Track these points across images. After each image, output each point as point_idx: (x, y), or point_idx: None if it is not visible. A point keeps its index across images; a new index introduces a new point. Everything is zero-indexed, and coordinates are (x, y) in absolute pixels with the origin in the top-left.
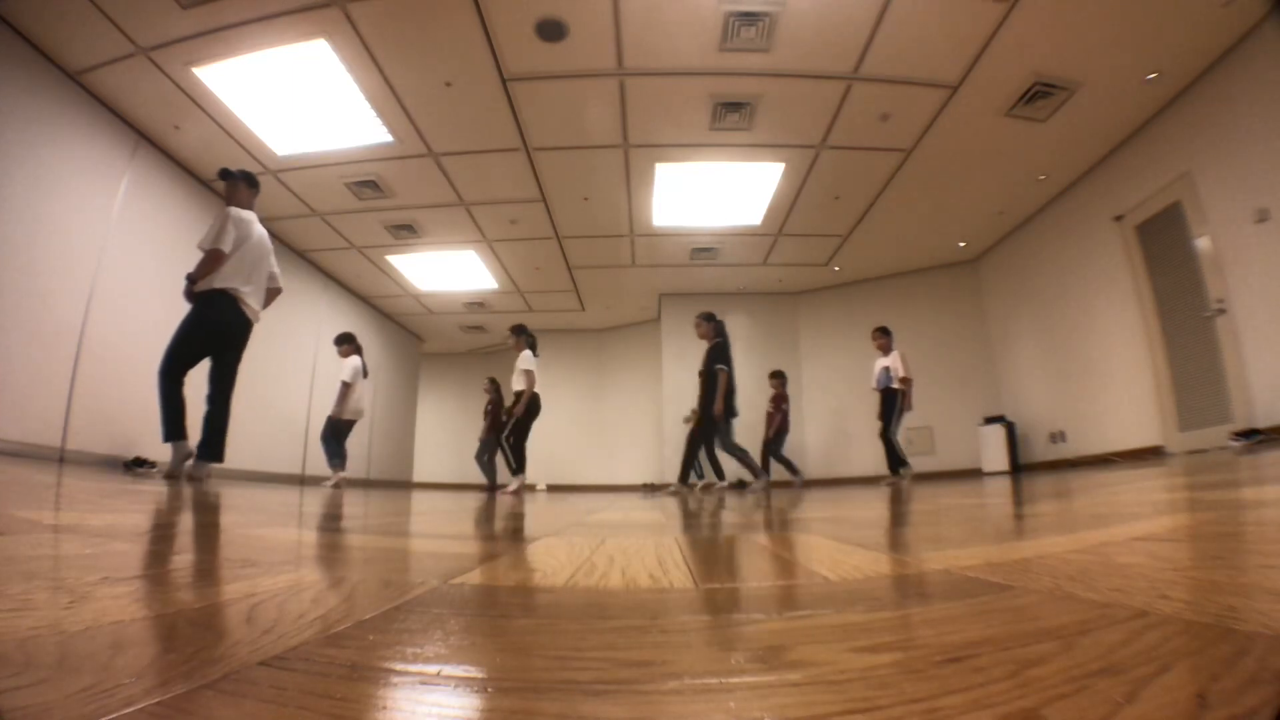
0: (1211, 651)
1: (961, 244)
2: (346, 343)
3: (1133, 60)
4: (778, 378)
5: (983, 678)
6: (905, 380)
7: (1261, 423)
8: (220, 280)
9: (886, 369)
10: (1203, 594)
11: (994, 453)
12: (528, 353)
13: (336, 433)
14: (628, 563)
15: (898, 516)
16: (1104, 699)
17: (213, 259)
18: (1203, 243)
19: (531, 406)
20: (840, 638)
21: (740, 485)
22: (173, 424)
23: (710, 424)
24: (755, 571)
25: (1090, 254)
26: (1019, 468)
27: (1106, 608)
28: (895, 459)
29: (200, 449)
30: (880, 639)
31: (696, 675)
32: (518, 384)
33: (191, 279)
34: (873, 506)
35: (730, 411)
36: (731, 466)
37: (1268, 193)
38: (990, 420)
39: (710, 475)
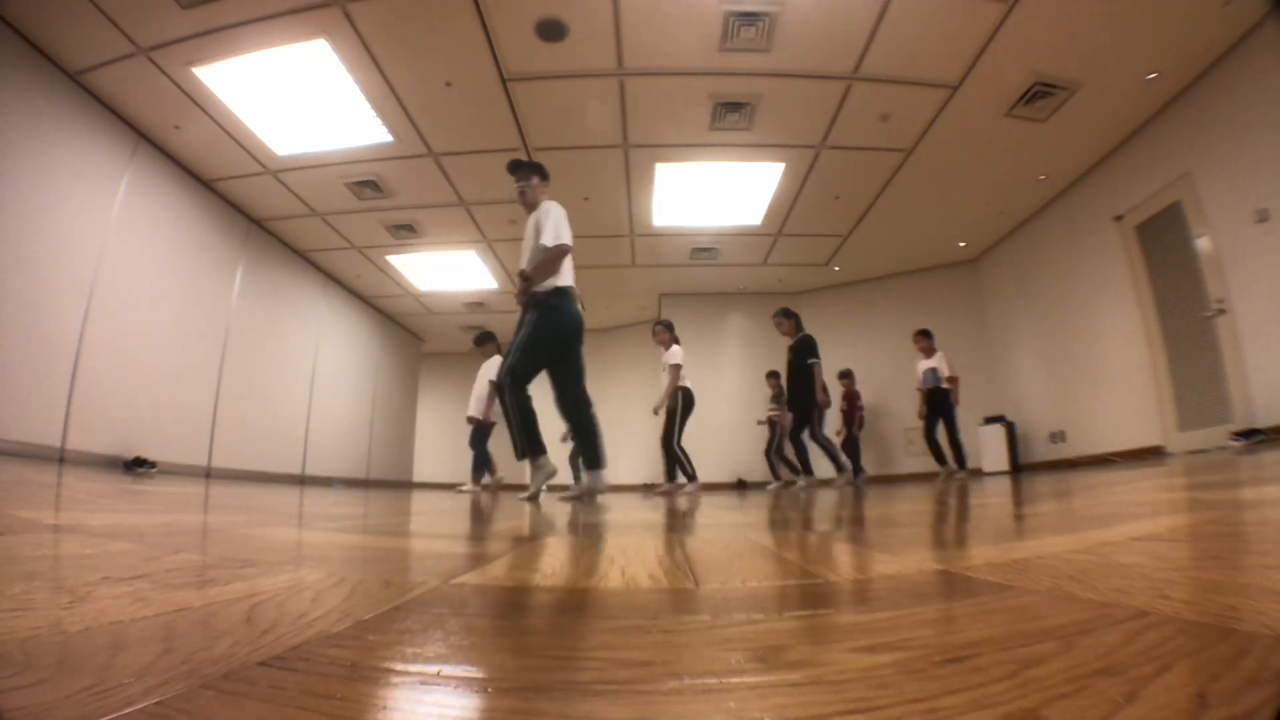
0: (1211, 651)
1: (961, 244)
2: (490, 342)
3: (1133, 60)
4: (847, 377)
5: (983, 678)
6: (953, 379)
7: (1261, 423)
8: (564, 277)
9: (933, 370)
10: (1203, 594)
11: (994, 453)
12: (677, 348)
13: (482, 436)
14: (628, 563)
15: (897, 516)
16: (1104, 699)
17: (562, 254)
18: (1203, 243)
19: (687, 401)
20: (840, 638)
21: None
22: (533, 438)
23: (806, 417)
24: (755, 571)
25: (1090, 254)
26: (1019, 468)
27: (1106, 608)
28: (958, 452)
29: (587, 460)
30: (880, 639)
31: (696, 675)
32: (667, 380)
33: (529, 277)
34: (873, 506)
35: (826, 403)
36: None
37: (1268, 193)
38: (990, 420)
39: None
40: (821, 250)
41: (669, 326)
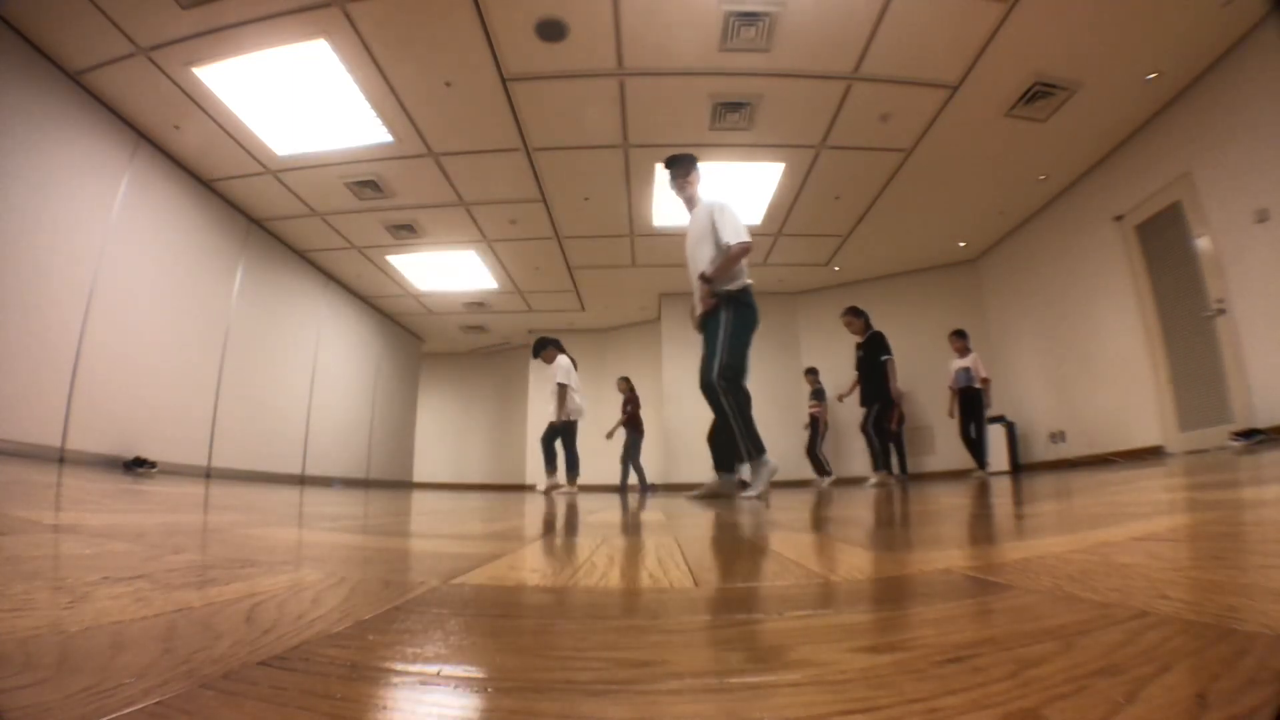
0: (1211, 651)
1: (961, 244)
2: (549, 347)
3: (1133, 60)
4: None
5: (983, 678)
6: (986, 380)
7: (1261, 423)
8: (746, 274)
9: (967, 370)
10: (1203, 594)
11: (994, 453)
12: None
13: (563, 436)
14: (628, 563)
15: (899, 517)
16: (1104, 699)
17: (746, 252)
18: (1203, 243)
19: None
20: (840, 638)
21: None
22: (756, 437)
23: (888, 408)
24: (755, 571)
25: (1090, 254)
26: (1019, 468)
27: (1106, 608)
28: (980, 454)
29: (736, 456)
30: (880, 639)
31: (696, 675)
32: None
33: (712, 279)
34: (875, 507)
35: (899, 397)
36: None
37: (1268, 193)
38: (990, 420)
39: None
40: (821, 250)
41: None
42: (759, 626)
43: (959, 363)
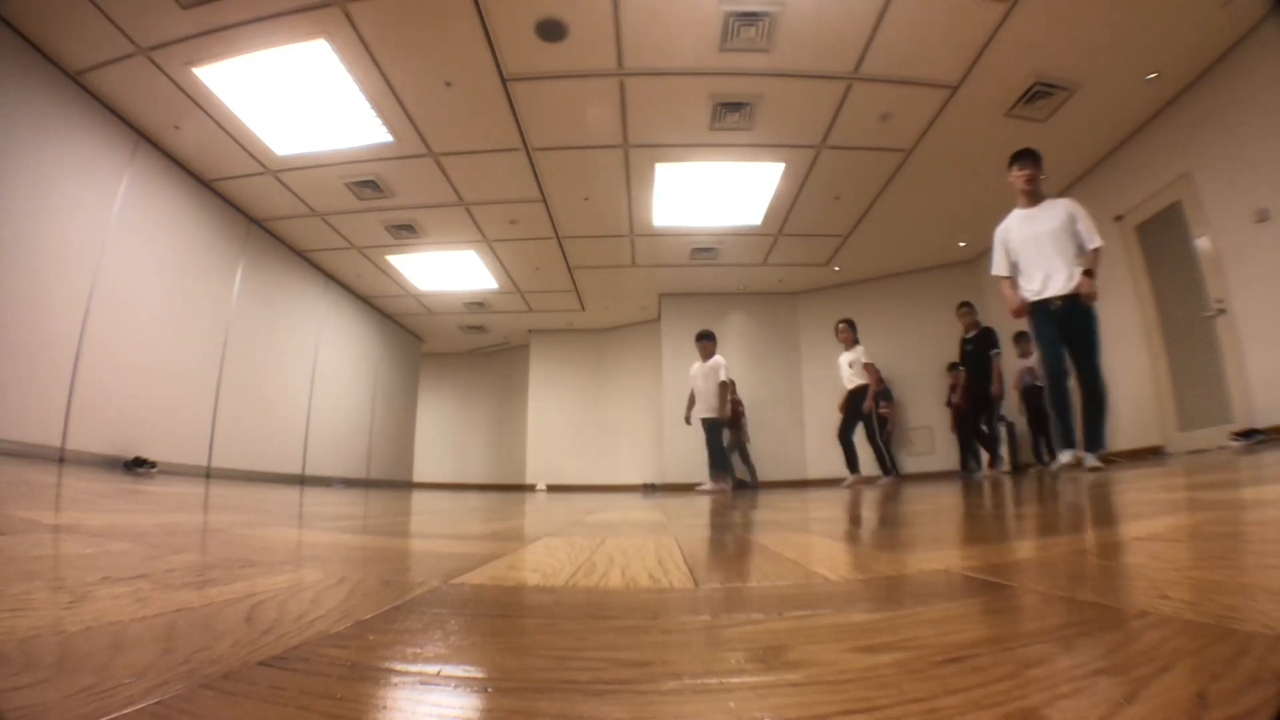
0: (1211, 651)
1: (961, 244)
2: (712, 339)
3: (1133, 60)
4: (955, 370)
5: (983, 678)
6: None
7: (1261, 423)
8: None
9: (1030, 369)
10: (1203, 594)
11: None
12: (861, 346)
13: (716, 434)
14: (628, 563)
15: (898, 516)
16: (1104, 699)
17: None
18: (1203, 243)
19: (865, 397)
20: (840, 638)
21: (742, 484)
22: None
23: (987, 404)
24: (755, 571)
25: None
26: (1019, 468)
27: (1106, 608)
28: (1049, 447)
29: (1095, 439)
30: (880, 639)
31: (696, 675)
32: (856, 379)
33: (1094, 274)
34: (875, 507)
35: (1000, 394)
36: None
37: (1268, 193)
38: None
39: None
40: (821, 250)
41: (852, 325)
42: (758, 626)
43: (1023, 363)
